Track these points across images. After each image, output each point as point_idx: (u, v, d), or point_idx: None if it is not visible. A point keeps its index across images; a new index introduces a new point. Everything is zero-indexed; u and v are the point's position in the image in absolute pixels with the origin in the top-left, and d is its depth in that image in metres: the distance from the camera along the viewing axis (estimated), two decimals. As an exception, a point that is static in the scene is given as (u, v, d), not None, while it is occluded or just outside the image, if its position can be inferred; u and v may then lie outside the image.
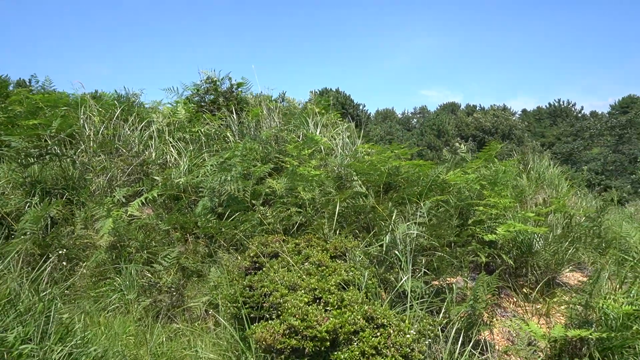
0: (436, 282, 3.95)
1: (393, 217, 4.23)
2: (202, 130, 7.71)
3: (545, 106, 60.59)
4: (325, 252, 3.78)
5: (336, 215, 4.39)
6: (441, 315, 3.42)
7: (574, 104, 58.15)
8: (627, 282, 3.81)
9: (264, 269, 3.56)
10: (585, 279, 4.46)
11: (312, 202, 4.80)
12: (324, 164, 6.30)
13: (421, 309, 3.38)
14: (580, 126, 41.55)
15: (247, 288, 3.32)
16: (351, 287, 3.29)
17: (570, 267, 4.68)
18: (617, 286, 3.75)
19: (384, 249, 3.95)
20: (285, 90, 9.15)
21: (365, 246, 4.16)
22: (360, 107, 45.48)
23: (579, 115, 56.96)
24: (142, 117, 7.64)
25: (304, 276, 3.28)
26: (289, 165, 5.48)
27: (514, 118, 53.40)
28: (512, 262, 4.28)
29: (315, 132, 7.66)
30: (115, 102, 7.55)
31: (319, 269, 3.44)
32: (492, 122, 48.16)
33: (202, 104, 9.17)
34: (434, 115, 56.44)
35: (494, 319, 3.74)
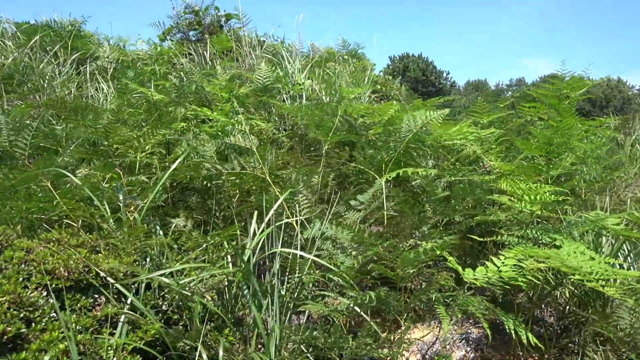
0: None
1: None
2: (159, 69, 5.82)
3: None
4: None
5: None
6: None
7: None
8: None
9: None
10: None
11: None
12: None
13: None
14: None
15: None
16: None
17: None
18: None
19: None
20: (363, 49, 6.78)
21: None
22: (444, 75, 41.17)
23: None
24: (85, 52, 5.95)
25: None
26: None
27: (630, 92, 45.01)
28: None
29: (302, 77, 5.39)
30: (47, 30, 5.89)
31: None
32: (603, 93, 41.04)
33: (188, 40, 7.31)
34: (531, 86, 49.91)
35: None
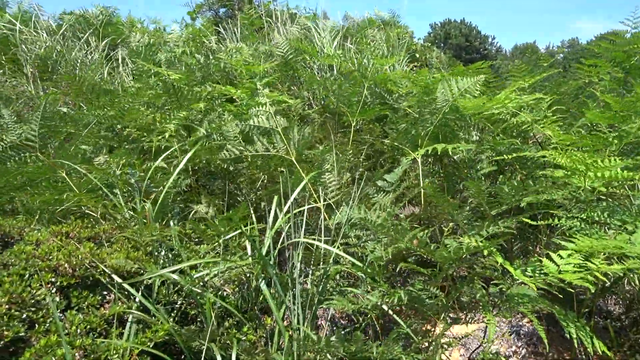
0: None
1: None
2: (188, 49, 5.69)
3: None
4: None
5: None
6: None
7: None
8: None
9: None
10: None
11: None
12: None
13: None
14: None
15: None
16: None
17: None
18: None
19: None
20: (400, 17, 6.39)
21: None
22: (489, 40, 39.07)
23: None
24: (115, 37, 5.91)
25: None
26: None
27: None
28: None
29: (331, 49, 5.10)
30: (81, 19, 5.88)
31: None
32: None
33: (218, 18, 7.15)
34: (585, 46, 46.51)
35: None
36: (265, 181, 2.59)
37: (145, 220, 1.86)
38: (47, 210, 2.30)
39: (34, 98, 4.66)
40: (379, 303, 1.50)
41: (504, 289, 1.75)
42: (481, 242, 1.29)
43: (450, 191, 3.00)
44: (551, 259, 1.33)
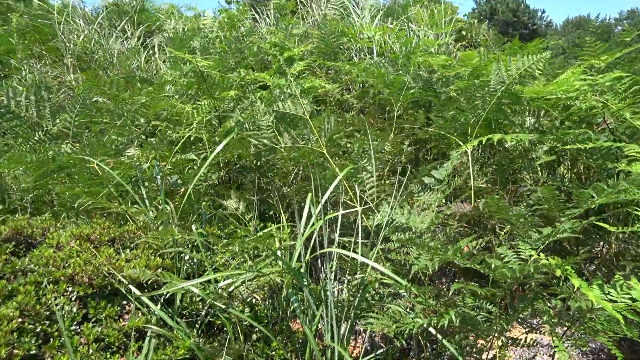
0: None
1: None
2: (222, 35, 5.56)
3: None
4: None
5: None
6: None
7: None
8: None
9: None
10: None
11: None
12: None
13: None
14: None
15: None
16: None
17: None
18: None
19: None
20: None
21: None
22: (538, 14, 36.87)
23: None
24: (150, 24, 5.86)
25: None
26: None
27: None
28: None
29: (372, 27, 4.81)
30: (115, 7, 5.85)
31: None
32: None
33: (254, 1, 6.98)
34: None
35: None
36: (300, 175, 2.41)
37: (170, 222, 1.73)
38: (77, 204, 2.23)
39: (74, 88, 4.69)
40: (424, 325, 1.30)
41: (569, 304, 1.50)
42: (556, 264, 1.05)
43: (502, 183, 2.71)
44: (640, 281, 1.08)
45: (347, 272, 1.66)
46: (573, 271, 1.08)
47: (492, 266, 1.16)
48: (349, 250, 1.73)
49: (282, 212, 2.27)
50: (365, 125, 2.80)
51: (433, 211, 1.75)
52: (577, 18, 55.37)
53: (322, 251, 1.55)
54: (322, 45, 3.92)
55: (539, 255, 1.21)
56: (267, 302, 1.79)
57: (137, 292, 1.45)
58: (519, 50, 2.77)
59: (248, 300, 1.76)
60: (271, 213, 2.48)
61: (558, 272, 1.05)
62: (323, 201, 1.72)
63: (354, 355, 1.75)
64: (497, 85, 1.95)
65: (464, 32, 5.56)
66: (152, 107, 2.25)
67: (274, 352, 1.57)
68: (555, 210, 1.40)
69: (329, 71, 4.36)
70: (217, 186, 2.69)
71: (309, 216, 1.71)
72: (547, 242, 1.30)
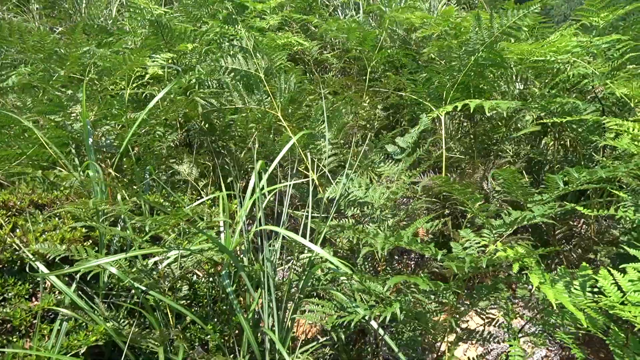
0: None
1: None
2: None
3: None
4: None
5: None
6: None
7: None
8: None
9: None
10: None
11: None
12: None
13: None
14: None
15: None
16: None
17: None
18: None
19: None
20: None
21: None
22: (543, -22, 35.65)
23: None
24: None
25: None
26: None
27: None
28: None
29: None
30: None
31: None
32: None
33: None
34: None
35: None
36: (259, 141, 2.21)
37: (76, 202, 1.54)
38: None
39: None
40: (366, 318, 1.14)
41: (535, 293, 1.36)
42: (519, 254, 0.88)
43: (480, 153, 2.53)
44: (612, 277, 0.92)
45: (294, 251, 1.49)
46: (534, 264, 0.91)
47: (439, 257, 0.99)
48: (299, 224, 1.56)
49: (237, 180, 2.09)
50: (340, 88, 2.57)
51: (404, 183, 1.57)
52: (582, -17, 53.87)
53: (259, 228, 1.38)
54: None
55: (495, 245, 1.04)
56: (209, 280, 1.63)
57: (45, 270, 1.28)
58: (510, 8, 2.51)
59: (188, 276, 1.61)
60: (230, 180, 2.29)
61: (515, 267, 0.88)
62: (271, 169, 1.53)
63: (303, 339, 1.61)
64: (476, 45, 1.73)
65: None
66: (70, 58, 1.97)
67: (208, 337, 1.42)
68: (519, 196, 1.22)
69: (312, 29, 4.07)
70: (176, 148, 2.49)
71: (257, 186, 1.53)
72: (512, 228, 1.13)
